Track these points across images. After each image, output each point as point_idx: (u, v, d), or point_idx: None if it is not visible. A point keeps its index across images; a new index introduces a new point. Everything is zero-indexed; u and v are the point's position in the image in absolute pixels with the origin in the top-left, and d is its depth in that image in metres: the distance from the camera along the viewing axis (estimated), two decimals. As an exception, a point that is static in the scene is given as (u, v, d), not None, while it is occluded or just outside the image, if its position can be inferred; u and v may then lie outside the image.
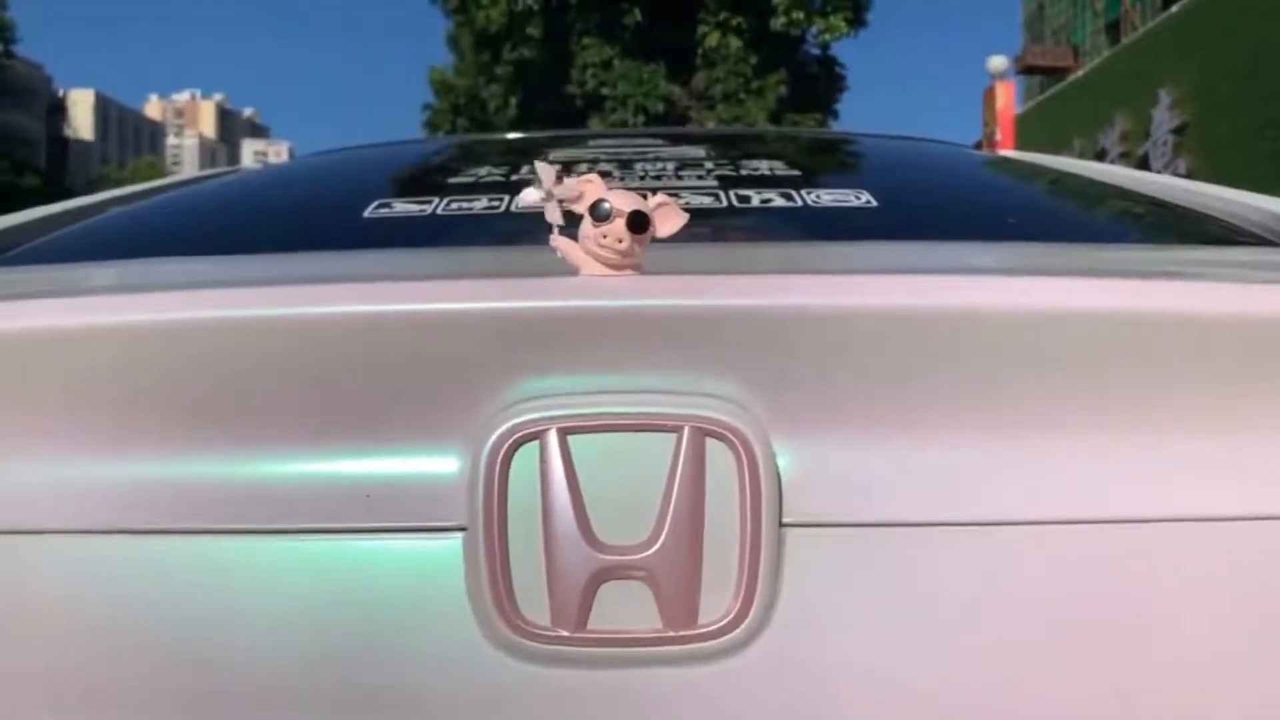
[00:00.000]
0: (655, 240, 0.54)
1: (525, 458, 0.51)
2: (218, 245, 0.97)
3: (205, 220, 1.14)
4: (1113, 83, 8.40)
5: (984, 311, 0.52)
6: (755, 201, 1.04)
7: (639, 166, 1.23)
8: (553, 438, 0.50)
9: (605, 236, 0.52)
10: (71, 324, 0.53)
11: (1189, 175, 7.22)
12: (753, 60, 11.21)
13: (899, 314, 0.51)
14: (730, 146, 1.49)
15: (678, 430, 0.50)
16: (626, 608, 0.50)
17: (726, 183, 1.12)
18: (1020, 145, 9.40)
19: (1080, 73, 9.28)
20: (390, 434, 0.52)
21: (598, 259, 0.53)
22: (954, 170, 1.36)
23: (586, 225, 0.53)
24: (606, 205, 0.52)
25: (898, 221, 1.01)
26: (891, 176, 1.28)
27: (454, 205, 1.06)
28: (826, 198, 1.07)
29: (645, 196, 0.55)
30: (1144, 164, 7.78)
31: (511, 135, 1.91)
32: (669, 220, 0.54)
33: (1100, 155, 8.53)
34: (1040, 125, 9.97)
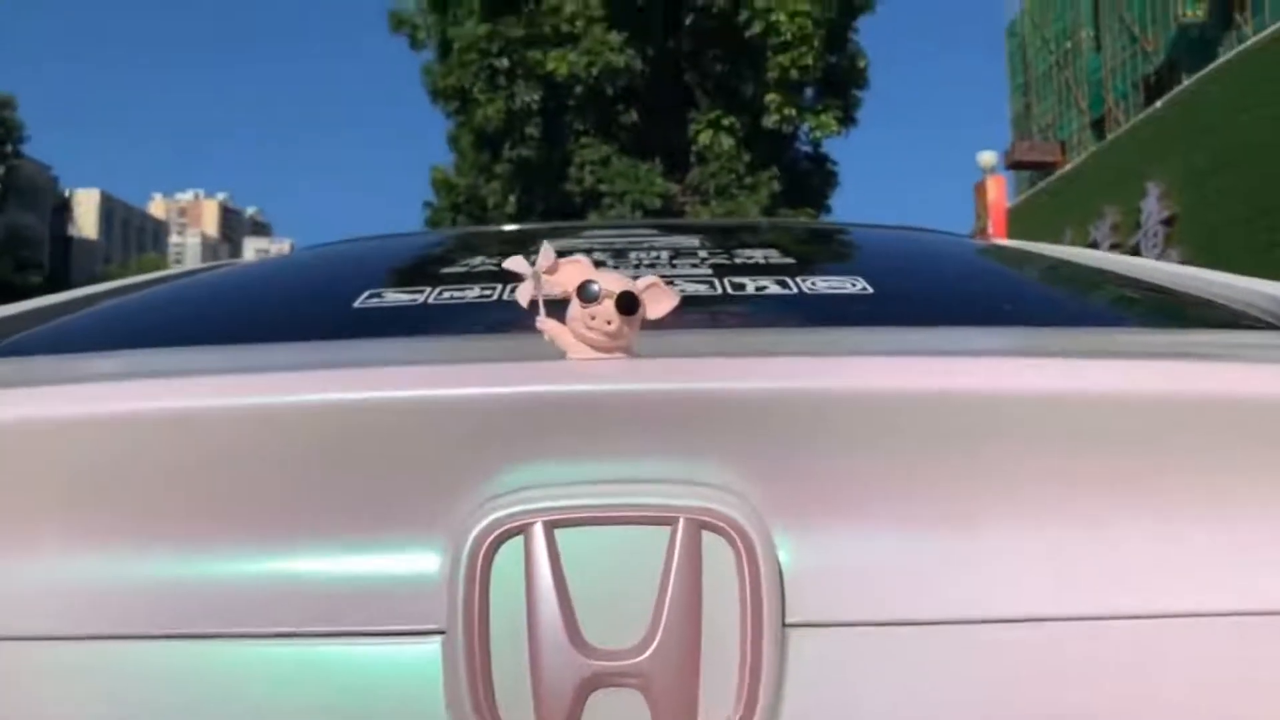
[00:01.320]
0: (646, 323, 0.52)
1: (508, 554, 0.47)
2: (197, 336, 0.94)
3: (188, 313, 1.12)
4: (1101, 176, 8.57)
5: (997, 394, 0.49)
6: (750, 289, 1.03)
7: (633, 255, 1.22)
8: (538, 532, 0.47)
9: (594, 319, 0.50)
10: (32, 416, 0.50)
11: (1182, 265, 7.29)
12: (745, 157, 11.43)
13: (905, 397, 0.49)
14: (725, 236, 1.49)
15: (672, 523, 0.47)
16: (619, 717, 0.46)
17: (721, 270, 1.11)
18: (1013, 238, 9.50)
19: (1068, 167, 9.48)
20: (362, 529, 0.49)
21: (586, 341, 0.51)
22: (950, 256, 1.35)
23: (574, 307, 0.50)
24: (595, 286, 0.50)
25: (895, 307, 0.99)
26: (887, 263, 1.27)
27: (446, 294, 1.04)
28: (821, 284, 1.05)
29: (635, 278, 0.53)
30: (1135, 255, 7.91)
31: (507, 227, 1.92)
32: (660, 301, 0.52)
33: (1092, 247, 8.66)
34: (1032, 218, 10.13)
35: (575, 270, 0.52)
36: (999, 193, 10.03)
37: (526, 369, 0.50)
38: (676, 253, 1.23)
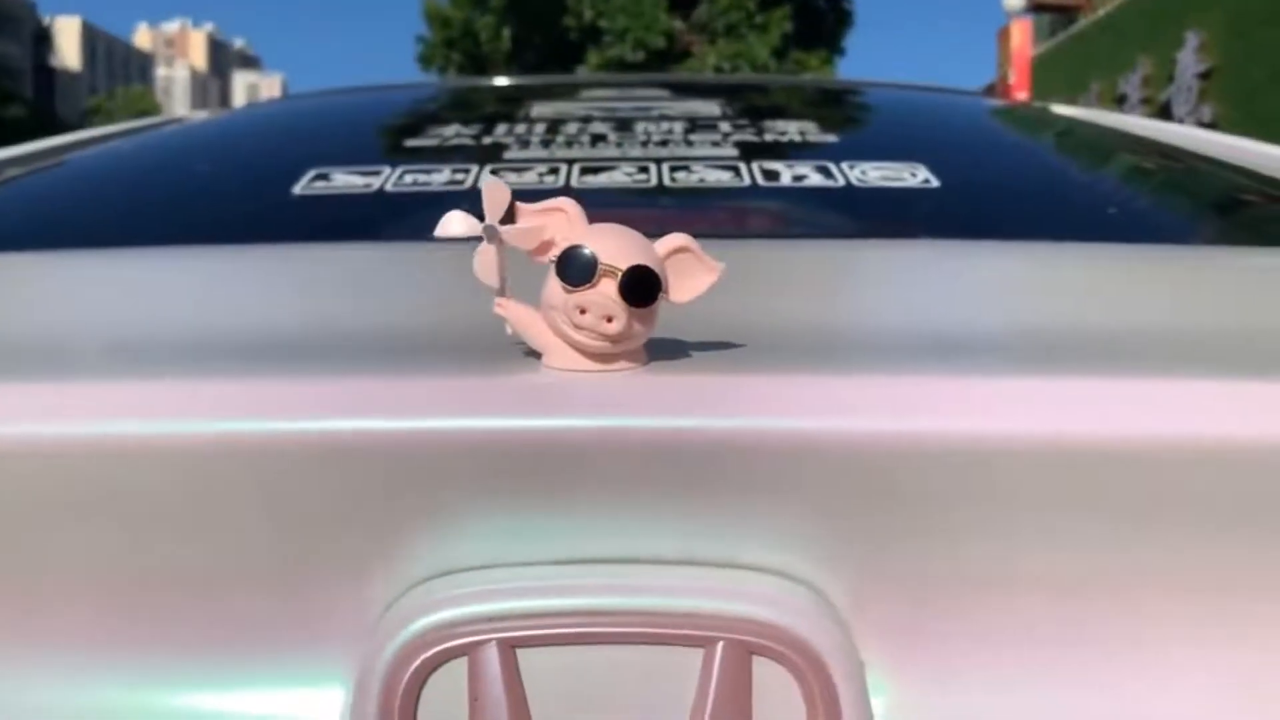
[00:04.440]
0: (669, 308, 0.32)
1: (443, 685, 0.30)
2: (86, 234, 0.75)
3: (90, 197, 0.92)
4: (1136, 24, 7.99)
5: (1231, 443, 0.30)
6: (786, 179, 0.82)
7: (640, 128, 1.00)
8: (490, 654, 0.30)
9: (584, 311, 0.30)
10: None
11: (1214, 122, 6.90)
12: (756, -7, 10.80)
13: (1103, 448, 0.30)
14: (749, 100, 1.26)
15: (704, 644, 0.30)
16: None
17: (749, 151, 0.89)
18: (1036, 88, 8.99)
19: (1100, 13, 8.84)
20: (223, 645, 0.31)
21: (572, 344, 0.31)
22: (1023, 135, 1.14)
23: (554, 289, 0.31)
24: (587, 254, 0.30)
25: (977, 212, 0.78)
26: (946, 142, 1.05)
27: (407, 178, 0.84)
28: (874, 174, 0.84)
29: (654, 232, 0.33)
30: (1166, 110, 7.43)
31: (495, 82, 1.67)
32: (690, 278, 0.32)
33: (1120, 100, 8.15)
34: (1057, 68, 9.49)
35: (554, 224, 0.32)
36: (1024, 39, 9.39)
37: (470, 388, 0.31)
38: (693, 124, 1.01)
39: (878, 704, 0.30)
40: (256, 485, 0.30)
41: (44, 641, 0.31)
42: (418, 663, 0.29)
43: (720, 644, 0.29)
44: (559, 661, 0.30)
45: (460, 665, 0.30)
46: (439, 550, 0.31)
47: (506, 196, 0.32)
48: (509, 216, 0.32)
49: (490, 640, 0.29)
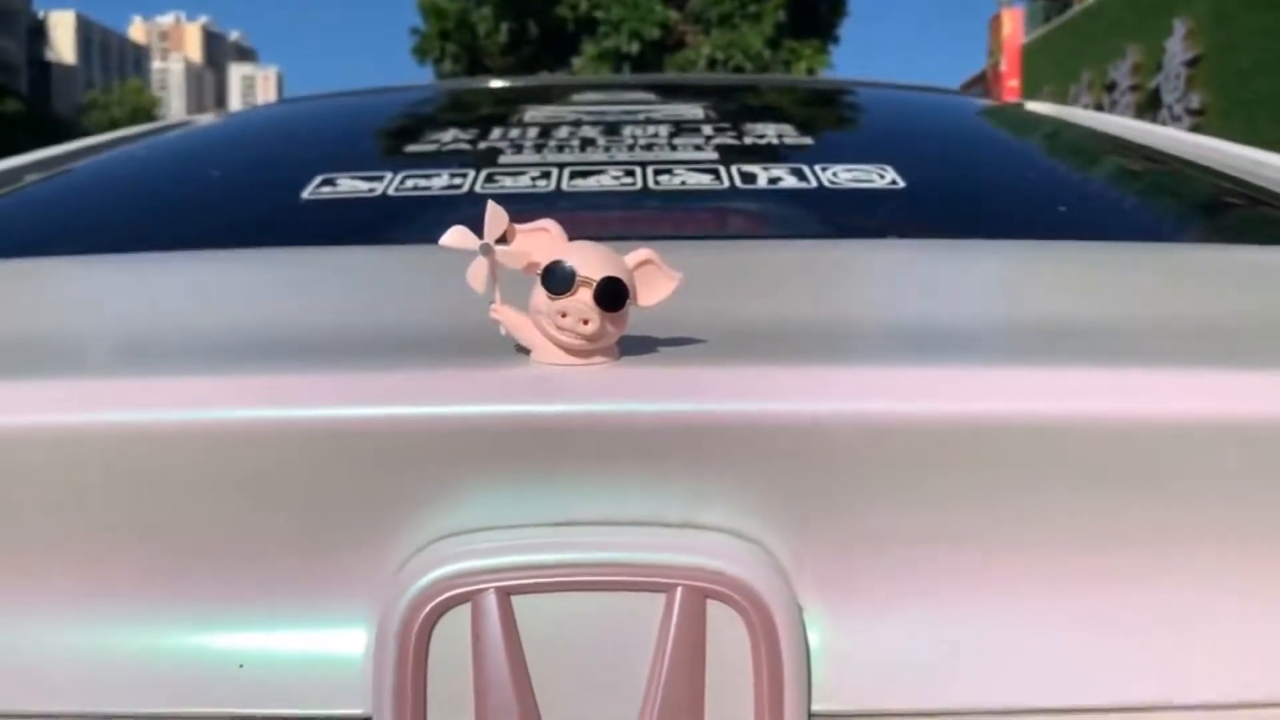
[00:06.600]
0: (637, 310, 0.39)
1: (450, 626, 0.36)
2: (99, 240, 0.80)
3: (104, 202, 0.97)
4: (1126, 13, 8.05)
5: (1121, 421, 0.36)
6: (762, 181, 0.88)
7: (627, 131, 1.06)
8: (490, 600, 0.36)
9: (565, 315, 0.36)
10: None
11: (1202, 109, 6.97)
12: (750, -18, 10.81)
13: (994, 426, 0.36)
14: (733, 102, 1.32)
15: (667, 590, 0.36)
16: None
17: (728, 154, 0.95)
18: (1026, 76, 9.06)
19: (1090, 1, 8.89)
20: (267, 593, 0.37)
21: (555, 342, 0.37)
22: (991, 134, 1.19)
23: (539, 296, 0.37)
24: (566, 268, 0.36)
25: (934, 210, 0.84)
26: (915, 144, 1.11)
27: (408, 183, 0.90)
28: (844, 175, 0.90)
29: (623, 243, 0.39)
30: (1155, 98, 7.53)
31: (489, 84, 1.73)
32: (655, 285, 0.39)
33: (1110, 88, 8.23)
34: (1047, 57, 9.54)
35: (539, 243, 0.38)
36: (1015, 28, 9.45)
37: (471, 379, 0.37)
38: (678, 128, 1.07)
39: (812, 639, 0.36)
40: (299, 464, 0.36)
41: (120, 593, 0.37)
42: (429, 608, 0.36)
43: (680, 590, 0.36)
44: (548, 606, 0.36)
45: (465, 610, 0.36)
46: (447, 515, 0.37)
47: (505, 220, 0.38)
48: (505, 235, 0.38)
49: (490, 589, 0.36)
